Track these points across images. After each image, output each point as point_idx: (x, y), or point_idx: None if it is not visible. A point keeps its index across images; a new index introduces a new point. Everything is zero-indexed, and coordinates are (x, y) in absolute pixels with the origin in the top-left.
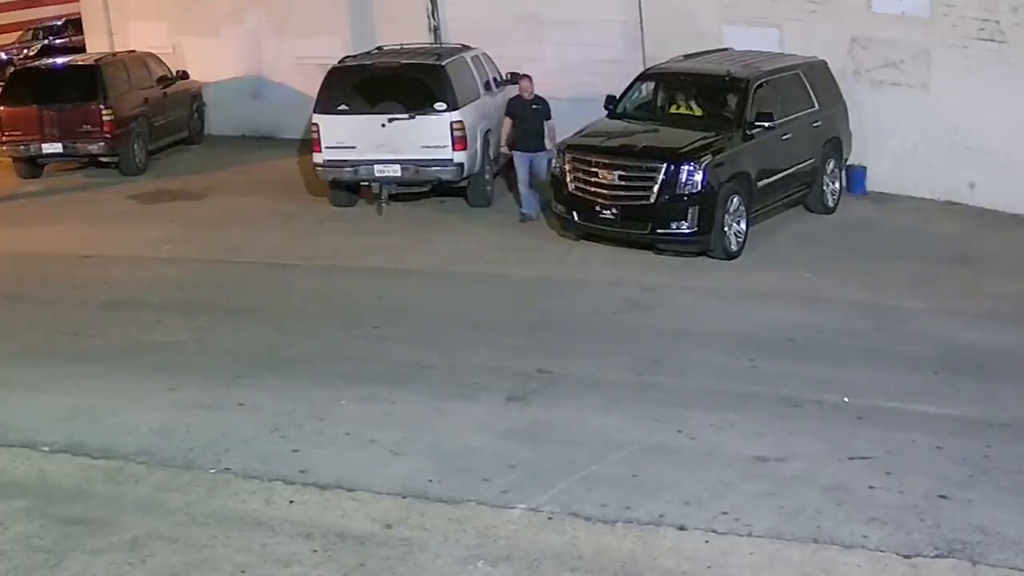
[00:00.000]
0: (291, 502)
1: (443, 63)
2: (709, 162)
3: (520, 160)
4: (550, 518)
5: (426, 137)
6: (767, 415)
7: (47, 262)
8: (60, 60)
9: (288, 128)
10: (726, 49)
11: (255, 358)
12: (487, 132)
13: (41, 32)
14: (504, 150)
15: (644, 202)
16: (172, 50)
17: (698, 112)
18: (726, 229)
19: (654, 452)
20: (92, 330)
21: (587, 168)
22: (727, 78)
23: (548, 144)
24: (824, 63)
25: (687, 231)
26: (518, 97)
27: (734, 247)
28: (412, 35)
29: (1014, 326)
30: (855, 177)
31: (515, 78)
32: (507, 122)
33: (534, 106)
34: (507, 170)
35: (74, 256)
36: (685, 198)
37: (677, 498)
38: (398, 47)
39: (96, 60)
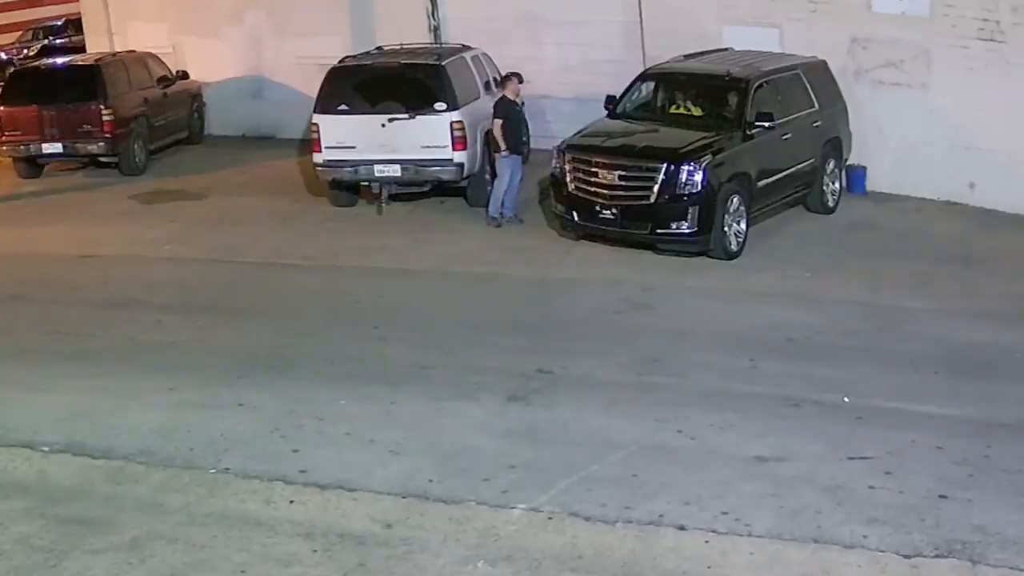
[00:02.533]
0: (291, 502)
1: (443, 63)
2: (709, 162)
3: (511, 164)
4: (550, 518)
5: (426, 137)
6: (767, 415)
7: (47, 262)
8: (60, 60)
9: (288, 128)
10: (726, 49)
11: (255, 358)
12: (487, 132)
13: (41, 32)
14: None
15: (644, 202)
16: (172, 50)
17: (698, 112)
18: (726, 229)
19: (654, 452)
20: (92, 330)
21: (587, 168)
22: (727, 78)
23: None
24: (824, 63)
25: (687, 231)
26: (504, 98)
27: (734, 247)
28: (412, 35)
29: (1014, 326)
30: (855, 177)
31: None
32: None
33: (518, 107)
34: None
35: (74, 256)
36: (685, 198)
37: (677, 498)
38: (398, 47)
39: (96, 60)
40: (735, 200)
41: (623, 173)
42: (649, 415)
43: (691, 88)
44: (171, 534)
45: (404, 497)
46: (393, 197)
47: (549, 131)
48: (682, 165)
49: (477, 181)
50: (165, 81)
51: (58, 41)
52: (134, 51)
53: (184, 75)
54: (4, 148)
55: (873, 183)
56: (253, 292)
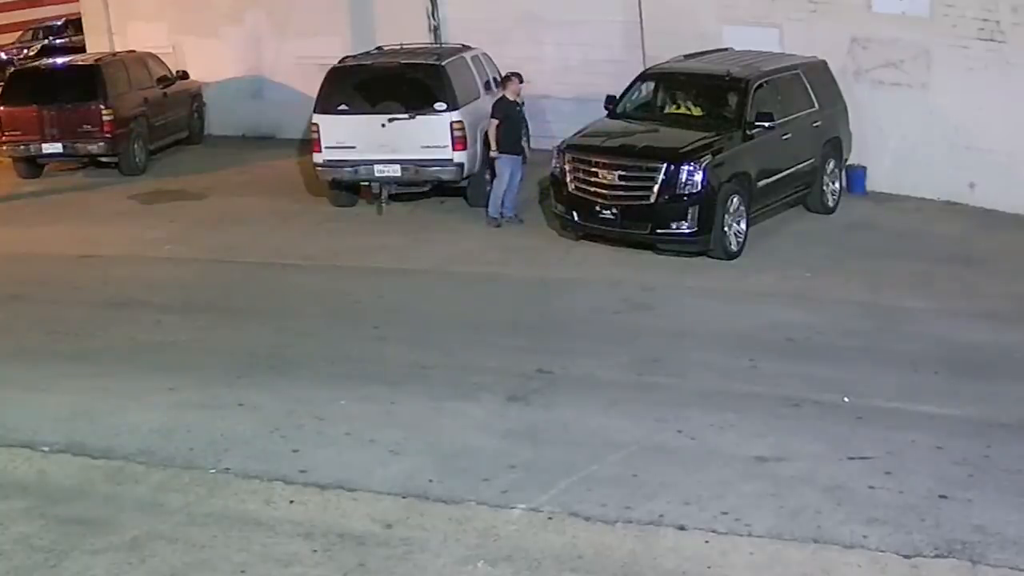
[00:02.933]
0: (291, 502)
1: (443, 63)
2: (709, 162)
3: (511, 164)
4: (550, 518)
5: (426, 137)
6: (767, 415)
7: (47, 262)
8: (60, 60)
9: (288, 128)
10: (726, 49)
11: (255, 358)
12: (486, 132)
13: (41, 32)
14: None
15: (644, 202)
16: (172, 50)
17: (698, 112)
18: (726, 229)
19: (654, 452)
20: (92, 330)
21: (587, 168)
22: (727, 78)
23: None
24: (824, 63)
25: (687, 231)
26: (504, 98)
27: (734, 247)
28: (412, 35)
29: (1014, 326)
30: (855, 177)
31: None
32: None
33: (518, 107)
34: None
35: (74, 256)
36: (685, 198)
37: (677, 498)
38: (398, 47)
39: (96, 60)
40: (735, 200)
41: (623, 173)
42: (649, 415)
43: (691, 88)
44: (171, 534)
45: (404, 497)
46: (393, 197)
47: (549, 131)
48: (682, 165)
49: (477, 181)
50: (165, 81)
51: (58, 41)
52: (134, 51)
53: (184, 75)
54: (4, 148)
55: (873, 183)
56: (253, 292)
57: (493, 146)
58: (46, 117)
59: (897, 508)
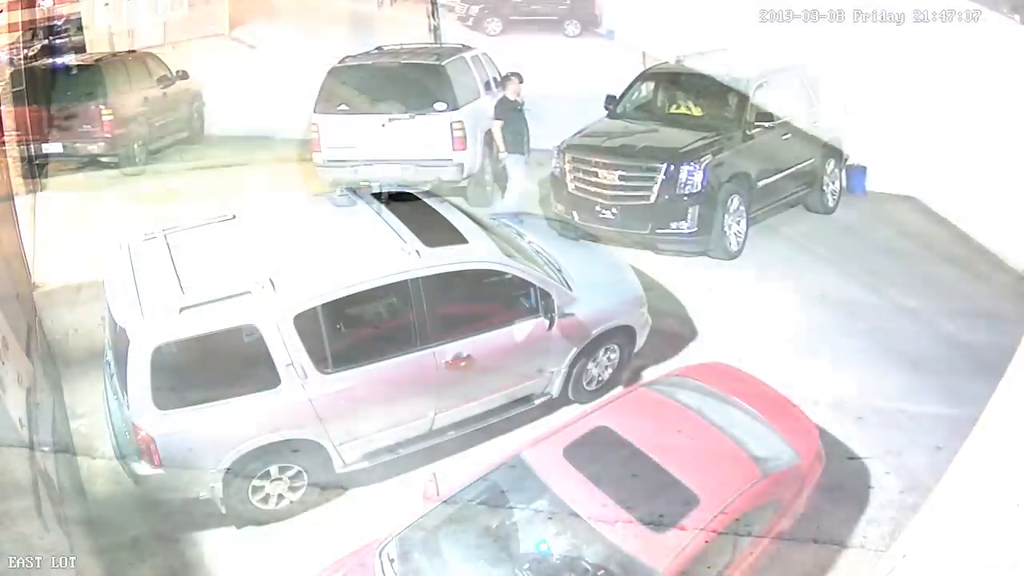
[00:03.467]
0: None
1: (443, 63)
2: (709, 162)
3: (515, 164)
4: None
5: (426, 137)
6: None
7: (47, 262)
8: (60, 60)
9: (288, 128)
10: (726, 49)
11: None
12: (487, 132)
13: (41, 32)
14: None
15: (644, 202)
16: (172, 50)
17: (698, 112)
18: (726, 229)
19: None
20: (91, 330)
21: (587, 168)
22: (727, 78)
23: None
24: None
25: (687, 231)
26: (504, 98)
27: (734, 247)
28: (412, 35)
29: (1014, 326)
30: (855, 177)
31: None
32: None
33: (518, 107)
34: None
35: (74, 256)
36: (685, 198)
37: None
38: (398, 47)
39: (96, 60)
40: (735, 200)
41: (623, 173)
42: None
43: (691, 88)
44: (171, 534)
45: (404, 497)
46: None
47: (549, 131)
48: (682, 165)
49: (477, 181)
50: (165, 81)
51: (58, 41)
52: (134, 51)
53: (184, 75)
54: (4, 148)
55: (873, 183)
56: None
57: (502, 147)
58: (46, 117)
59: (897, 508)
